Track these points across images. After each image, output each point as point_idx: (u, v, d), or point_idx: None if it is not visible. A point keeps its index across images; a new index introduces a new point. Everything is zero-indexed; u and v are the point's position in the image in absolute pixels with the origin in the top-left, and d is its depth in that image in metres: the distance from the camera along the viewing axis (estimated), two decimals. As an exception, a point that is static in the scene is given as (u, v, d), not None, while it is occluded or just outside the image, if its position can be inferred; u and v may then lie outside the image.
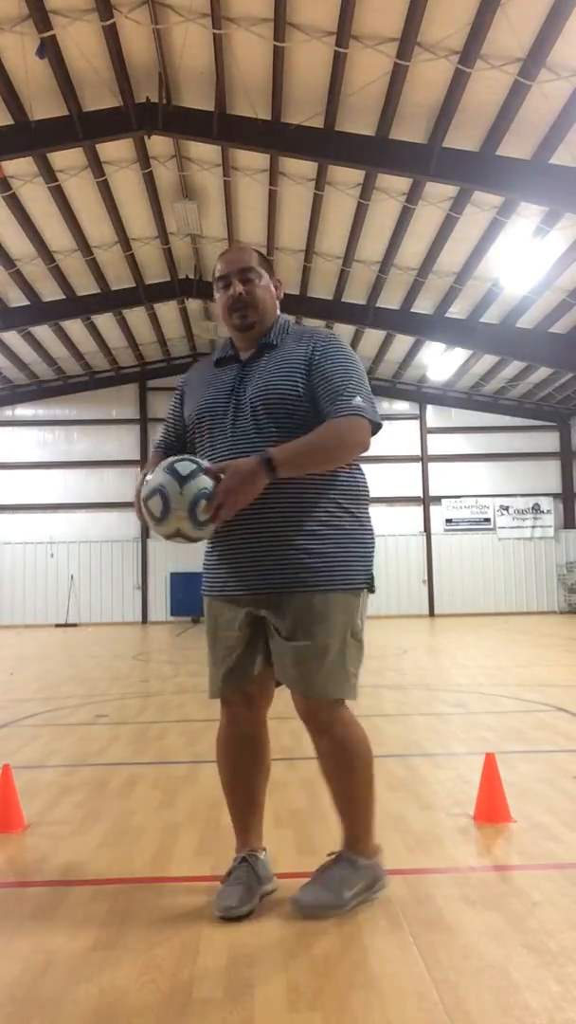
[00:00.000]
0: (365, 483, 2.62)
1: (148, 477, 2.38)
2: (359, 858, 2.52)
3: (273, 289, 2.67)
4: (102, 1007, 1.97)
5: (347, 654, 2.47)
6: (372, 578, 2.55)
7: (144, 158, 13.45)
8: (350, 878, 2.48)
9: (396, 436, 24.98)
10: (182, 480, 2.29)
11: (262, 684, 2.60)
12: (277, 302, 2.70)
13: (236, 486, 2.29)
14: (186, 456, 2.40)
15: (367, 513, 2.59)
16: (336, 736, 2.49)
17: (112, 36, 10.51)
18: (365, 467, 2.65)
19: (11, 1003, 2.00)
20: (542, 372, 21.41)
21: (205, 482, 2.30)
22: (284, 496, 2.44)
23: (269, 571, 2.46)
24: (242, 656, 2.55)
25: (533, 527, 25.04)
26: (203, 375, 2.71)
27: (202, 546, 2.67)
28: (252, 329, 2.61)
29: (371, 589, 2.57)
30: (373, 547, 2.58)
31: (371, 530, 2.59)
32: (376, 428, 2.49)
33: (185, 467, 2.32)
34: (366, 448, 2.45)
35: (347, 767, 2.51)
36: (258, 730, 2.66)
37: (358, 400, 2.44)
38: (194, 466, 2.33)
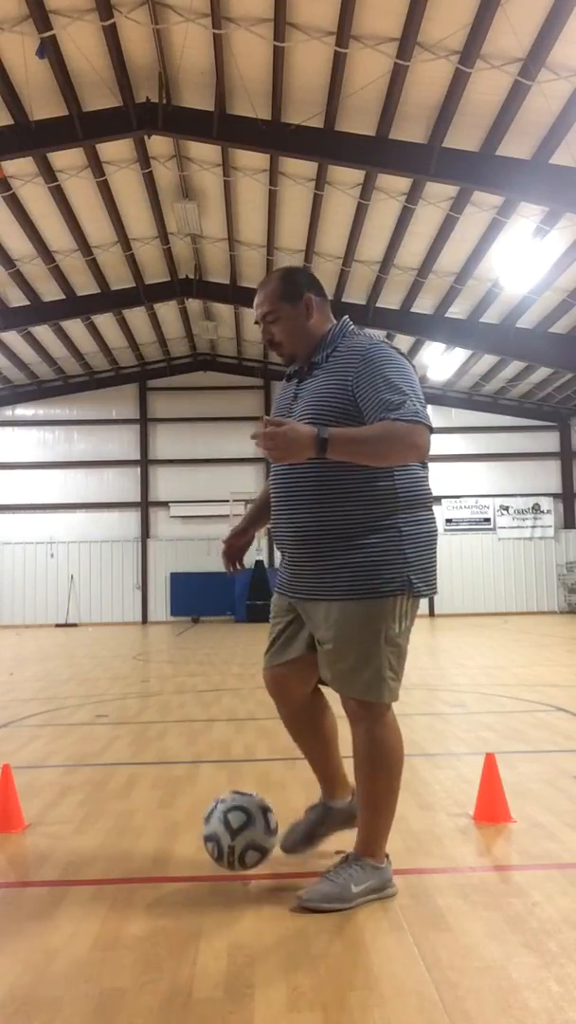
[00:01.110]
0: (412, 486, 2.59)
1: (208, 816, 2.65)
2: (369, 860, 2.57)
3: (306, 310, 2.69)
4: (102, 1007, 1.97)
5: (380, 658, 2.54)
6: (410, 582, 2.54)
7: (144, 158, 13.45)
8: (358, 876, 2.52)
9: (396, 436, 24.98)
10: (234, 833, 2.57)
11: (298, 669, 2.74)
12: (314, 321, 2.70)
13: (284, 443, 2.35)
14: (241, 803, 2.63)
15: (413, 516, 2.58)
16: (371, 734, 2.57)
17: (112, 36, 10.51)
18: None
19: (11, 1003, 2.00)
20: (542, 372, 21.41)
21: (255, 832, 2.58)
22: (313, 511, 2.56)
23: (299, 578, 2.67)
24: (286, 637, 2.75)
25: (533, 527, 25.05)
26: (281, 392, 2.85)
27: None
28: (294, 358, 2.73)
29: (414, 593, 2.56)
30: (416, 550, 2.56)
31: (414, 534, 2.57)
32: (426, 445, 2.48)
33: (237, 818, 2.57)
34: (423, 452, 2.45)
35: (374, 766, 2.57)
36: (304, 708, 2.83)
37: (409, 406, 2.44)
38: (245, 817, 2.58)
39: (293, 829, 2.86)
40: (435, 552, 2.67)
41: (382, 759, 2.57)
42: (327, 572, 2.56)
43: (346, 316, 2.79)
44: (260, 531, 2.99)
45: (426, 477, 2.66)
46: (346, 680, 2.56)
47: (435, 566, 2.65)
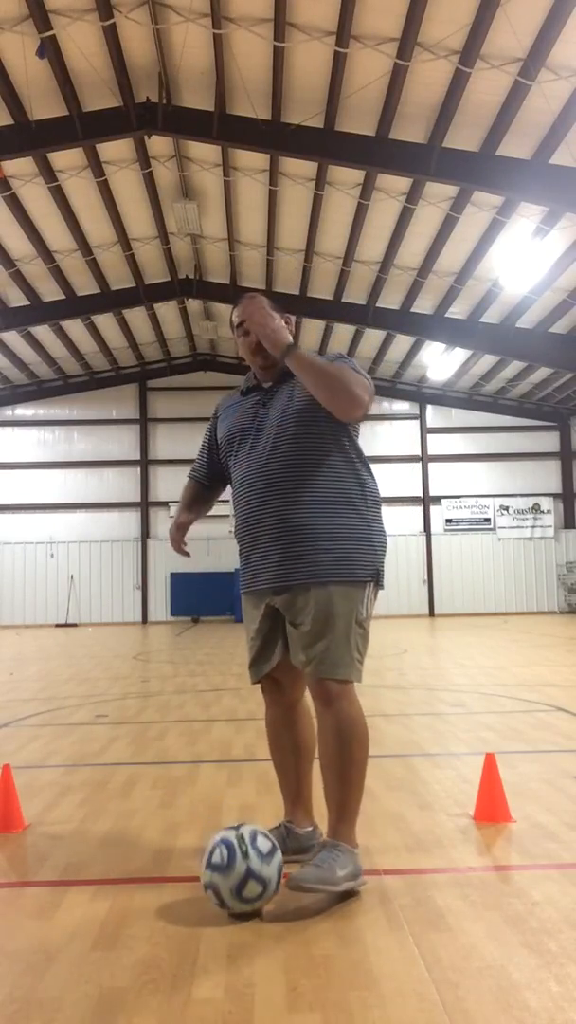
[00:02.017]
0: (374, 488, 2.85)
1: (208, 852, 2.48)
2: (344, 844, 2.62)
3: (285, 325, 2.87)
4: (102, 1007, 1.97)
5: (351, 639, 2.68)
6: (378, 573, 2.78)
7: (144, 158, 13.45)
8: (340, 858, 2.56)
9: (396, 436, 24.99)
10: (222, 870, 2.43)
11: (286, 671, 2.85)
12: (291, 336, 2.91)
13: (261, 321, 2.75)
14: (224, 839, 2.48)
15: (376, 515, 2.83)
16: (342, 711, 2.65)
17: (112, 36, 10.51)
18: None
19: (11, 1003, 2.00)
20: (542, 372, 21.42)
21: (245, 868, 2.41)
22: (296, 499, 2.74)
23: (279, 565, 2.74)
24: (262, 646, 2.85)
25: (533, 527, 25.05)
26: (231, 404, 3.02)
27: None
28: (275, 365, 2.86)
29: (379, 584, 2.80)
30: (381, 545, 2.81)
31: (379, 531, 2.82)
32: (368, 405, 2.73)
33: (219, 856, 2.44)
34: (363, 407, 2.70)
35: (346, 743, 2.64)
36: (290, 713, 2.94)
37: (364, 374, 2.77)
38: (227, 852, 2.44)
39: None
40: (383, 548, 2.86)
41: (355, 735, 2.66)
42: (309, 555, 2.69)
43: None
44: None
45: (375, 483, 2.89)
46: (323, 660, 2.65)
47: (381, 560, 2.84)
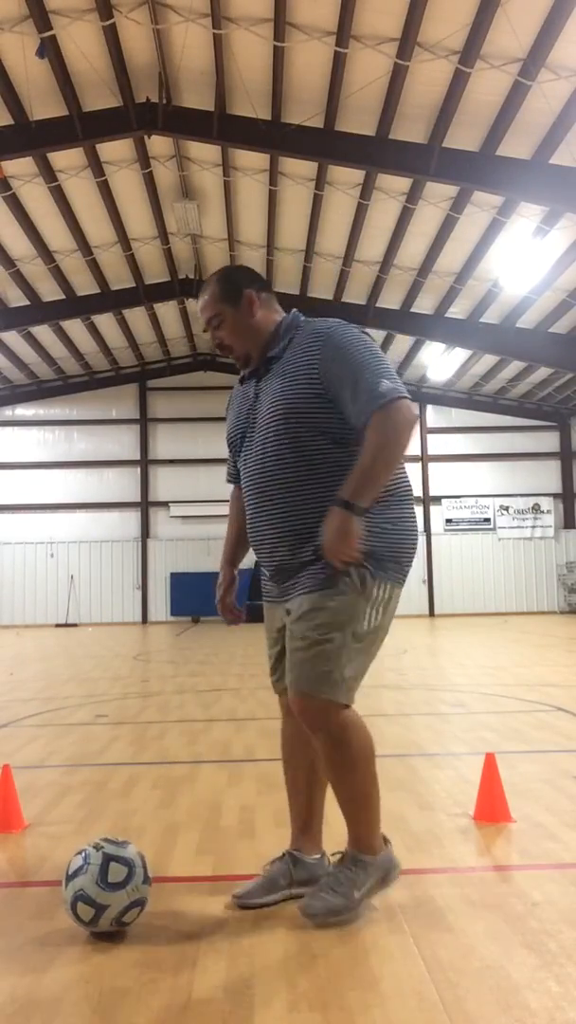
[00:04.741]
0: (389, 485, 2.47)
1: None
2: (365, 855, 2.47)
3: (249, 307, 2.61)
4: (102, 1007, 1.97)
5: (340, 655, 2.39)
6: (371, 577, 2.42)
7: (144, 158, 13.45)
8: (359, 878, 2.43)
9: (396, 436, 25.00)
10: (68, 879, 2.34)
11: None
12: (259, 317, 2.64)
13: (333, 543, 2.32)
14: (76, 871, 2.36)
15: (389, 515, 2.47)
16: (331, 736, 2.42)
17: (112, 36, 10.51)
18: None
19: (11, 1003, 2.00)
20: (542, 372, 21.41)
21: (82, 883, 2.30)
22: (290, 505, 2.49)
23: (279, 575, 2.57)
24: (279, 656, 2.66)
25: (533, 527, 25.05)
26: (236, 393, 2.80)
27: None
28: (248, 359, 2.67)
29: (390, 592, 2.47)
30: (396, 548, 2.47)
31: (395, 531, 2.48)
32: (408, 397, 2.44)
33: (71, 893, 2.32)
34: (413, 422, 2.40)
35: (342, 767, 2.45)
36: (302, 729, 2.63)
37: (383, 386, 2.39)
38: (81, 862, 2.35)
39: (250, 884, 2.59)
40: (412, 547, 2.53)
41: (351, 758, 2.44)
42: (302, 567, 2.47)
43: (295, 309, 2.73)
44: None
45: (402, 469, 2.52)
46: (299, 676, 2.42)
47: (409, 561, 2.53)
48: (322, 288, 17.80)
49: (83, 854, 2.38)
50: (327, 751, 2.45)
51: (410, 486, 2.58)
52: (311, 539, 2.43)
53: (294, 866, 2.59)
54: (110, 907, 2.29)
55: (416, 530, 2.57)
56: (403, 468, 2.54)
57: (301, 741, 2.63)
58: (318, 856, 2.65)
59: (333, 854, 2.57)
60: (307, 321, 2.65)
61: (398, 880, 2.58)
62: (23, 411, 25.09)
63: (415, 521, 2.56)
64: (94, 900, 2.28)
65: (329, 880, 2.45)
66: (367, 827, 2.50)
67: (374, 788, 2.50)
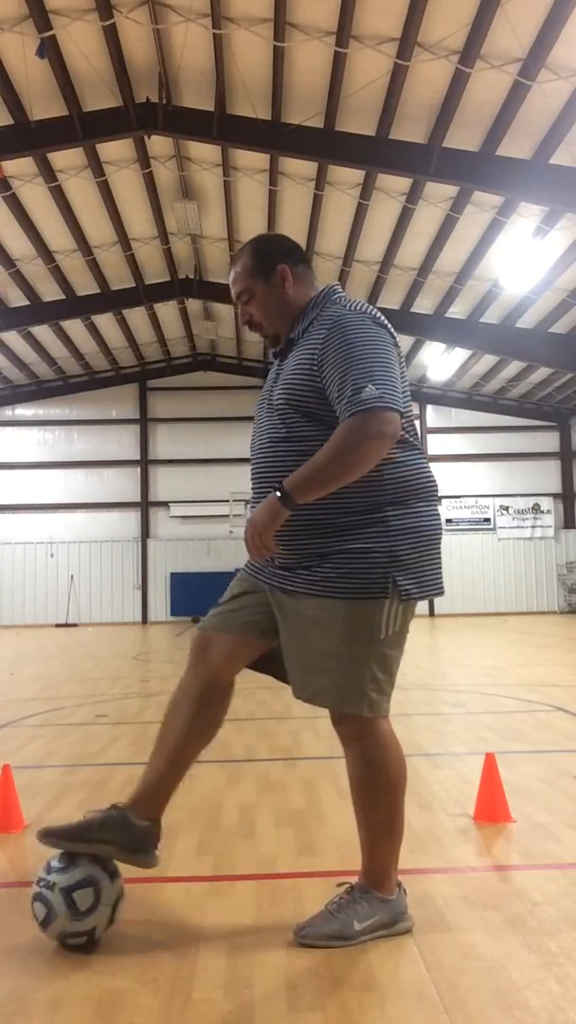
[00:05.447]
0: (406, 475, 2.30)
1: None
2: (375, 893, 2.30)
3: (281, 283, 2.42)
4: (102, 1007, 1.97)
5: (363, 667, 2.26)
6: (395, 584, 2.24)
7: (144, 158, 13.45)
8: (363, 911, 2.27)
9: (396, 436, 24.98)
10: (42, 927, 2.29)
11: (235, 650, 2.43)
12: (292, 294, 2.43)
13: (256, 531, 2.21)
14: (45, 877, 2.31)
15: (403, 514, 2.29)
16: (364, 753, 2.31)
17: (112, 36, 10.51)
18: None
19: (11, 1003, 2.00)
20: (542, 372, 21.41)
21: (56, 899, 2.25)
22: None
23: (280, 567, 2.35)
24: (234, 609, 2.44)
25: (533, 527, 25.05)
26: (269, 376, 2.58)
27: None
28: (278, 339, 2.48)
29: (402, 599, 2.28)
30: (408, 551, 2.28)
31: (405, 532, 2.28)
32: (397, 411, 2.19)
33: (42, 909, 2.27)
34: (388, 439, 2.16)
35: (369, 788, 2.31)
36: (208, 684, 2.45)
37: (367, 392, 2.15)
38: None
39: (71, 825, 2.36)
40: (435, 550, 2.36)
41: (379, 777, 2.30)
42: (304, 566, 2.27)
43: (335, 283, 2.48)
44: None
45: (423, 465, 2.34)
46: (312, 685, 2.28)
47: (435, 565, 2.37)
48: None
49: (42, 900, 2.26)
50: (356, 767, 2.33)
51: (415, 483, 2.34)
52: (306, 531, 2.27)
53: (112, 822, 2.31)
54: (96, 926, 2.26)
55: (439, 532, 2.39)
56: (422, 461, 2.37)
57: (202, 700, 2.42)
58: (147, 823, 2.36)
59: (339, 884, 2.40)
60: (333, 302, 2.39)
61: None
62: (23, 411, 25.09)
63: (438, 522, 2.40)
64: (79, 932, 2.25)
65: (330, 905, 2.31)
66: (382, 863, 2.33)
67: (398, 820, 2.33)
